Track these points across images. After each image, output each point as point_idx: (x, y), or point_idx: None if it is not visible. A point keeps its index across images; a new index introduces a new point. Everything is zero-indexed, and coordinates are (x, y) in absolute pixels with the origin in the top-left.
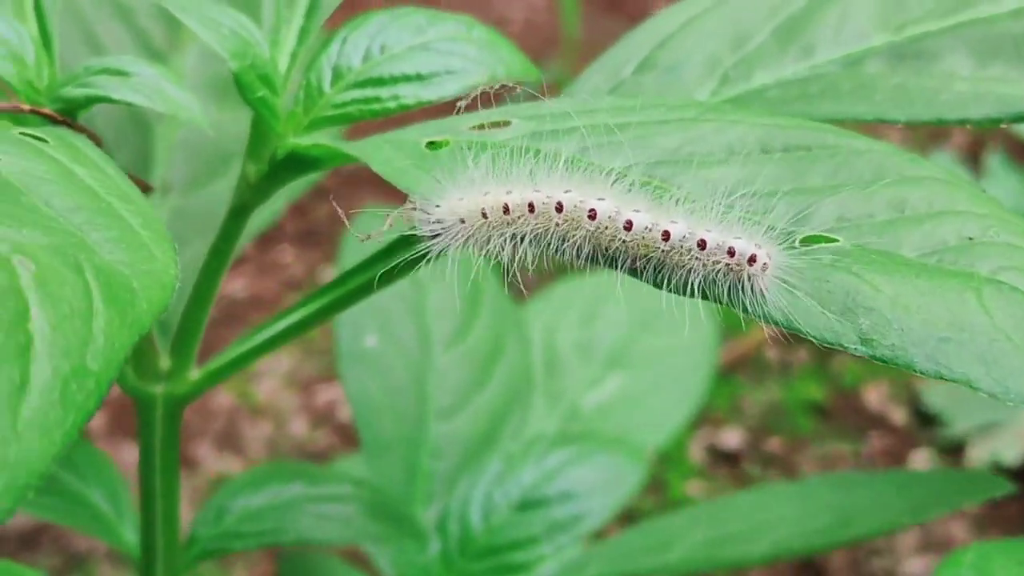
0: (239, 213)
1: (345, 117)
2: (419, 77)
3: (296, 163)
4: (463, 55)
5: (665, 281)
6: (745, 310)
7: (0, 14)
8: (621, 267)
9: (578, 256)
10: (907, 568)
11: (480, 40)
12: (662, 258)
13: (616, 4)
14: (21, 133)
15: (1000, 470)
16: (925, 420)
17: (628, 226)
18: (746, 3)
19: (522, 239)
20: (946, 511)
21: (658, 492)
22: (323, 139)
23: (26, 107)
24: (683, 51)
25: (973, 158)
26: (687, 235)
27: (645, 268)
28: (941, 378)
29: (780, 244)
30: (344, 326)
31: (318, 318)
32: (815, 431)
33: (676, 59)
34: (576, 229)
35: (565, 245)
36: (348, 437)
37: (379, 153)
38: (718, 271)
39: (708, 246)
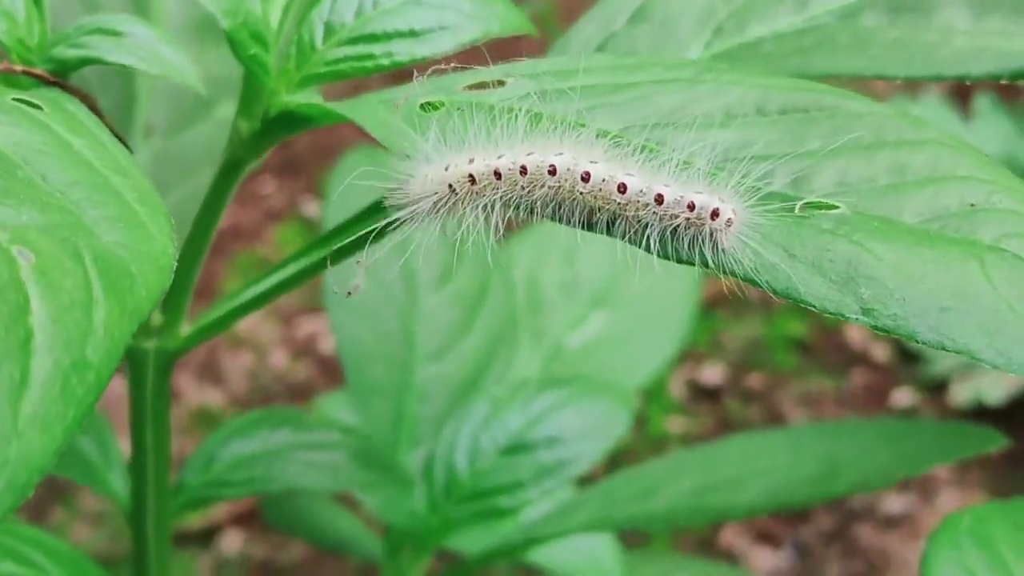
0: (231, 170)
1: (338, 74)
2: (413, 33)
3: (289, 121)
4: (457, 10)
5: (621, 234)
6: (706, 265)
7: None
8: (579, 222)
9: (539, 213)
10: (887, 507)
11: None
12: (618, 211)
13: None
14: (14, 99)
15: (983, 409)
16: (908, 357)
17: (586, 177)
18: None
19: (492, 206)
20: (937, 464)
21: (638, 428)
22: (315, 96)
23: (18, 68)
24: (676, 2)
25: (962, 100)
26: (644, 189)
27: (600, 222)
28: (943, 348)
29: (747, 199)
30: (331, 270)
31: (310, 273)
32: (797, 367)
33: (669, 10)
34: (540, 187)
35: (529, 202)
36: (329, 369)
37: (373, 114)
38: (677, 225)
39: (666, 200)
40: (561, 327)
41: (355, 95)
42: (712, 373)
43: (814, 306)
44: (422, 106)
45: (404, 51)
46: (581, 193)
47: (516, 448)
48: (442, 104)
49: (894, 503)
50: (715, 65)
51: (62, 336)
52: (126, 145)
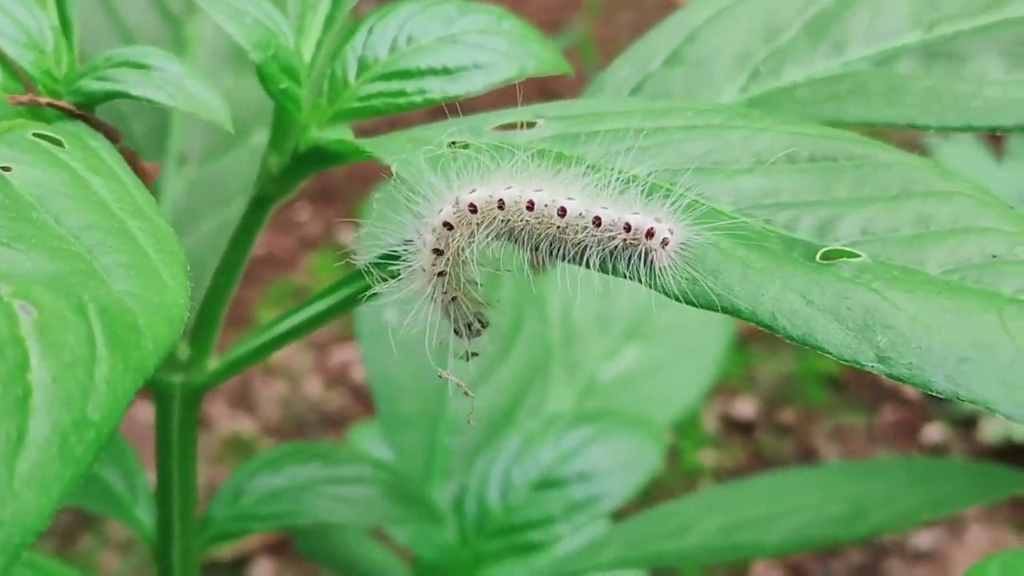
0: (260, 204)
1: (370, 110)
2: (446, 71)
3: (319, 157)
4: (492, 49)
5: (561, 257)
6: (646, 284)
7: None
8: (526, 249)
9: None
10: (917, 542)
11: (510, 33)
12: (559, 235)
13: None
14: (35, 134)
15: (1012, 446)
16: None
17: (530, 206)
18: None
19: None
20: (967, 507)
21: (671, 460)
22: (346, 131)
23: (43, 100)
24: (712, 45)
25: (995, 139)
26: (583, 212)
27: (542, 247)
28: (958, 399)
29: (683, 218)
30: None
31: (344, 307)
32: (829, 403)
33: (705, 53)
34: (491, 222)
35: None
36: (363, 398)
37: (401, 153)
38: (615, 247)
39: (603, 223)
40: (594, 359)
41: (391, 129)
42: (745, 407)
43: (830, 352)
44: (450, 145)
45: (437, 89)
46: (527, 222)
47: (548, 483)
48: (469, 144)
49: (923, 539)
50: (746, 111)
51: (62, 394)
52: (149, 183)
